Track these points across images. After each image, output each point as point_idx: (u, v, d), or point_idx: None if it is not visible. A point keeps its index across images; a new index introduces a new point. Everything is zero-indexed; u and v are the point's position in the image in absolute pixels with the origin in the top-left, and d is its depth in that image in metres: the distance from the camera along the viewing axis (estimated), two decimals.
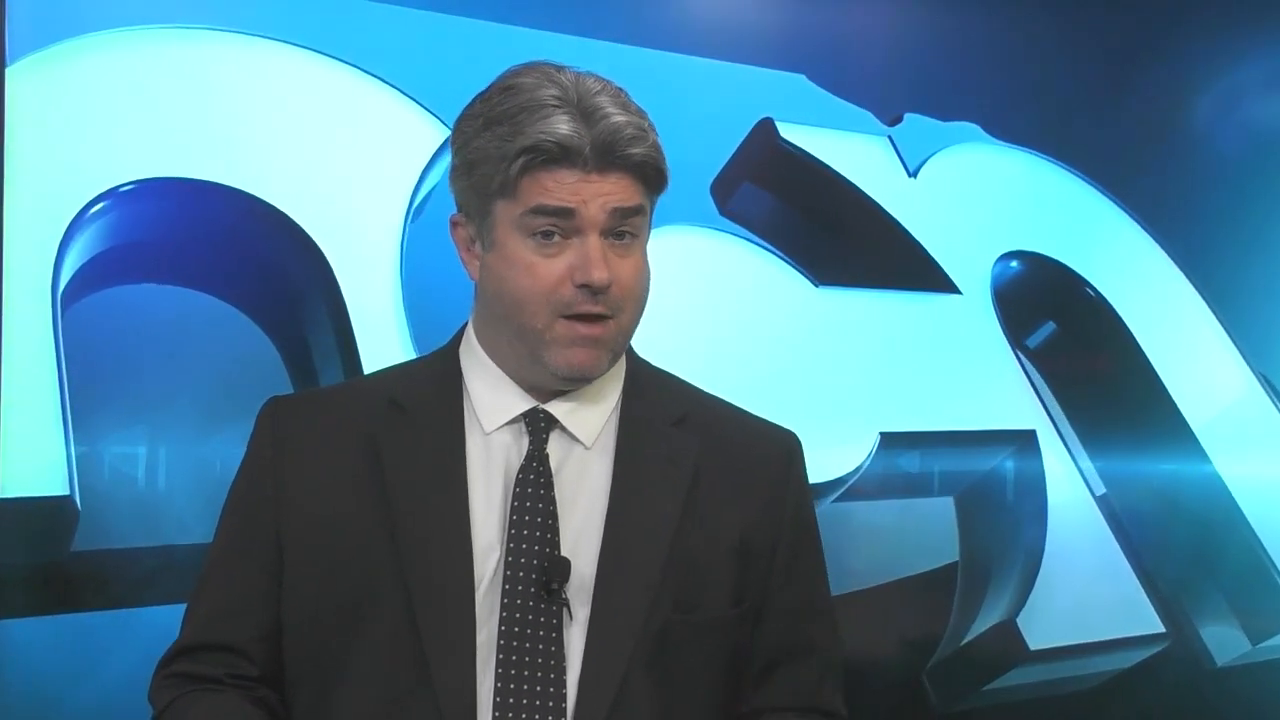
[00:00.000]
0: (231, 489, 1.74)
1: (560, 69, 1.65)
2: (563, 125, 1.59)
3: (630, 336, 1.69)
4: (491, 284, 1.66)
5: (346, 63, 2.84)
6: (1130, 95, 3.94)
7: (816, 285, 3.41)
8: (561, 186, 1.60)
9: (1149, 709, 3.76)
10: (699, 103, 3.32)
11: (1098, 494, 3.74)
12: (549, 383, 1.67)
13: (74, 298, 2.57)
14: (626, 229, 1.63)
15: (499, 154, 1.61)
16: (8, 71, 2.48)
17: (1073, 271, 3.79)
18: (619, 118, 1.61)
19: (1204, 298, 3.97)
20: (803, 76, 3.52)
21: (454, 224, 1.70)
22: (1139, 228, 3.92)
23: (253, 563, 1.68)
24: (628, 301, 1.65)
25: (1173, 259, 3.96)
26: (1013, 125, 3.78)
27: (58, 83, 2.54)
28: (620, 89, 1.66)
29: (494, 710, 1.60)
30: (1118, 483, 3.75)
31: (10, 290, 2.43)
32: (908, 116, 3.65)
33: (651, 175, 1.64)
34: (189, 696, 1.67)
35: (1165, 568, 3.78)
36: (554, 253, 1.62)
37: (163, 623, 2.42)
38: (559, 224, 1.61)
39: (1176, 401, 3.83)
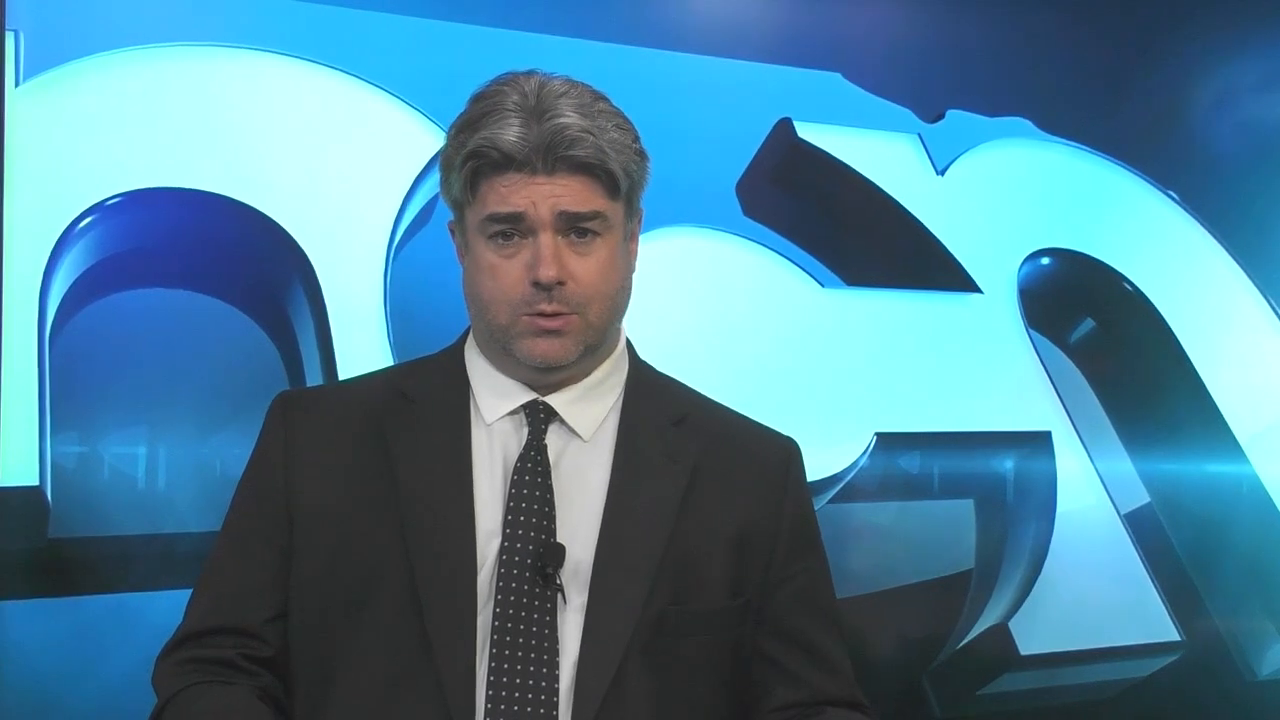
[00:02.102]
0: (241, 481, 1.78)
1: (532, 75, 1.68)
2: (510, 131, 1.63)
3: (604, 332, 1.71)
4: (468, 287, 1.71)
5: (344, 71, 2.93)
6: (1190, 86, 3.85)
7: (824, 286, 3.41)
8: (511, 191, 1.64)
9: None
10: (728, 105, 3.35)
11: (1140, 498, 3.67)
12: (530, 377, 1.72)
13: (75, 303, 2.72)
14: (587, 227, 1.66)
15: (456, 161, 1.67)
16: (14, 93, 2.65)
17: (1110, 267, 3.70)
18: (567, 119, 1.63)
19: (1262, 292, 3.86)
20: (839, 75, 3.53)
21: (450, 231, 1.76)
22: (1194, 222, 3.82)
23: (265, 546, 1.72)
24: (591, 299, 1.67)
25: (1233, 256, 3.85)
26: (1063, 119, 3.71)
27: (55, 101, 2.69)
28: (597, 93, 1.69)
29: (488, 689, 1.63)
30: (1154, 481, 3.67)
31: (9, 297, 2.60)
32: (950, 113, 3.62)
33: (603, 177, 1.66)
34: (198, 688, 1.68)
35: (1201, 573, 3.67)
36: (512, 253, 1.66)
37: (135, 605, 2.62)
38: (515, 226, 1.65)
39: (1216, 399, 3.72)
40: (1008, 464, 3.53)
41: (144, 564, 2.68)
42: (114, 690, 2.56)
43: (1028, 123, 3.71)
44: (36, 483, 2.55)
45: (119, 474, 2.72)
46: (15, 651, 2.62)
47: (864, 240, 3.51)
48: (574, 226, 1.65)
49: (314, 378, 2.86)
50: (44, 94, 2.69)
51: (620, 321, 1.76)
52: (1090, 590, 3.49)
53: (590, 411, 1.74)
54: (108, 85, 2.74)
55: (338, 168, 2.91)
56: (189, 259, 2.81)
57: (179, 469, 2.75)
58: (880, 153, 3.51)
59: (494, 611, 1.65)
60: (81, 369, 2.71)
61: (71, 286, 2.72)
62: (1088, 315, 3.75)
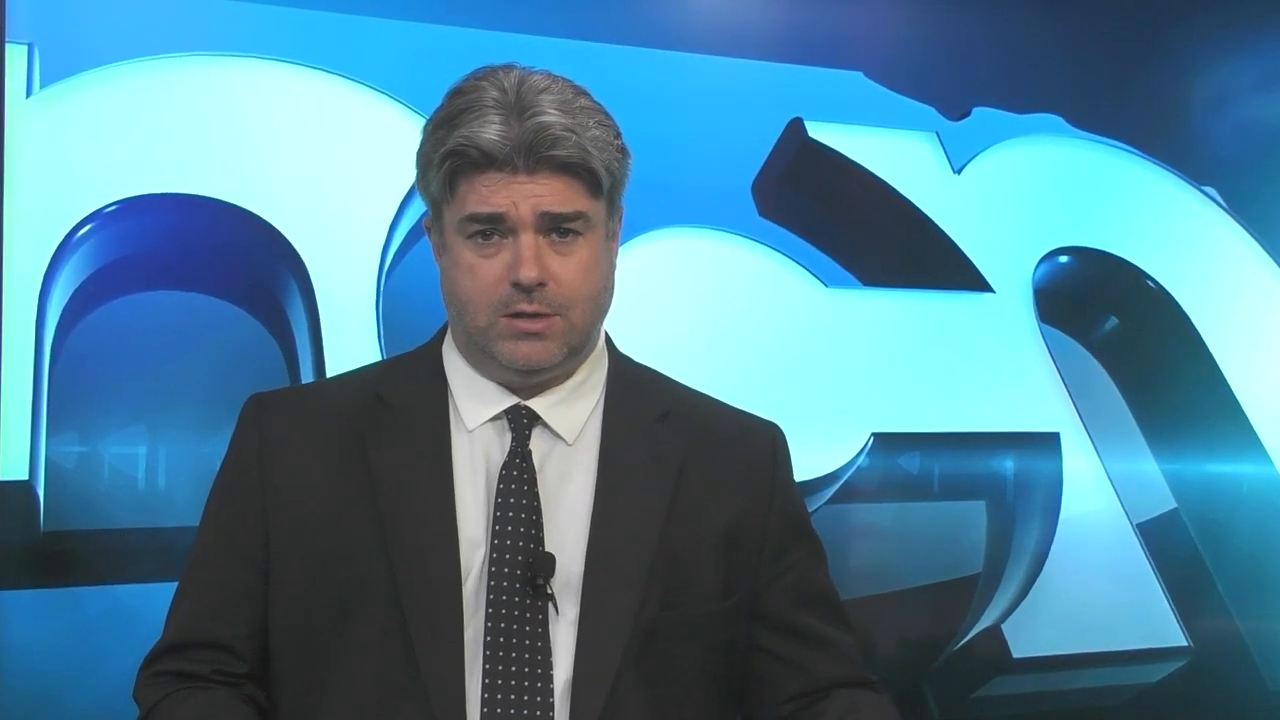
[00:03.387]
0: (215, 486, 1.75)
1: (511, 69, 1.65)
2: (491, 129, 1.60)
3: (586, 333, 1.68)
4: (446, 286, 1.68)
5: (340, 75, 2.97)
6: (1228, 84, 3.77)
7: (829, 286, 3.40)
8: (491, 190, 1.61)
9: None
10: (746, 106, 3.36)
11: (1162, 499, 3.61)
12: (510, 378, 1.69)
13: (77, 308, 2.81)
14: (569, 227, 1.63)
15: (434, 158, 1.63)
16: (23, 104, 2.75)
17: (1132, 265, 3.64)
18: (549, 117, 1.60)
19: None
20: (860, 74, 3.51)
21: (426, 228, 1.73)
22: (1229, 219, 3.74)
23: (240, 559, 1.69)
24: (573, 300, 1.64)
25: (1272, 255, 3.77)
26: (1097, 115, 3.65)
27: (56, 112, 2.78)
28: (578, 89, 1.66)
29: (482, 705, 1.61)
30: (1176, 482, 3.61)
31: (9, 301, 2.70)
32: (976, 110, 3.59)
33: (585, 176, 1.62)
34: (177, 695, 1.67)
35: (1222, 577, 3.60)
36: (492, 252, 1.63)
37: (133, 601, 2.71)
38: (495, 226, 1.62)
39: (1241, 399, 3.64)
40: (1017, 465, 3.50)
41: (142, 558, 2.76)
42: (112, 686, 2.57)
43: (1059, 119, 3.66)
44: (26, 477, 2.65)
45: (117, 471, 2.80)
46: (14, 649, 2.69)
47: (876, 240, 3.48)
48: (555, 226, 1.63)
49: (306, 377, 2.90)
50: (44, 105, 2.78)
51: (603, 321, 1.73)
52: (1091, 593, 3.42)
53: (573, 414, 1.71)
54: (107, 95, 2.82)
55: (335, 171, 2.95)
56: (187, 263, 2.88)
57: (178, 466, 2.82)
58: (895, 152, 3.48)
59: (485, 625, 1.62)
60: (84, 371, 2.79)
61: (73, 293, 2.81)
62: (1110, 313, 3.68)
